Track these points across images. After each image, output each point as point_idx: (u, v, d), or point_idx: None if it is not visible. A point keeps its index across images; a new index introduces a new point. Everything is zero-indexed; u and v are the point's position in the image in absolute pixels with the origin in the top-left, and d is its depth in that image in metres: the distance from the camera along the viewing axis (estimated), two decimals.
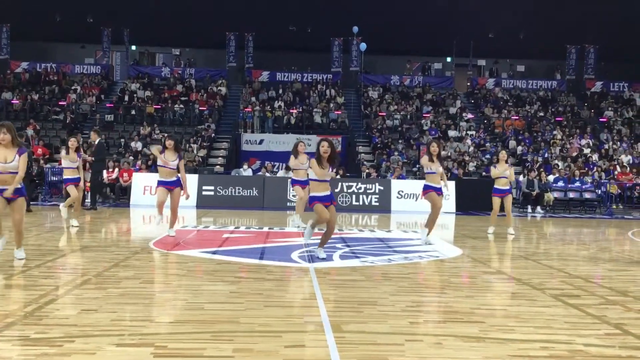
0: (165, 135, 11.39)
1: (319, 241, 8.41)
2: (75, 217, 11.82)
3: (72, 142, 11.85)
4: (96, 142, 16.51)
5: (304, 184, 11.67)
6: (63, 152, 12.33)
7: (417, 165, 22.54)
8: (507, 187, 12.39)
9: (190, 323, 4.83)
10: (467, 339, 4.51)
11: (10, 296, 5.82)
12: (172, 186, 10.03)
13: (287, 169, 19.74)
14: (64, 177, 12.13)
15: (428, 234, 10.38)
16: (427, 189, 10.24)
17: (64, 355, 3.91)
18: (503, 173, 12.27)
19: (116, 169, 19.83)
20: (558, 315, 5.36)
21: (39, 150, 22.75)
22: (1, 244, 7.60)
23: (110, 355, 3.92)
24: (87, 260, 8.11)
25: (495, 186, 12.40)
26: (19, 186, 7.23)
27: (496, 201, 12.39)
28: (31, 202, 15.24)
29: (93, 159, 16.04)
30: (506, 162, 12.59)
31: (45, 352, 3.96)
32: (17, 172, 7.18)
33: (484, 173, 23.40)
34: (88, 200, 16.30)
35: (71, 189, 11.78)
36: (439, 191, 10.23)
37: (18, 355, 3.94)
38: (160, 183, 10.12)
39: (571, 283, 7.01)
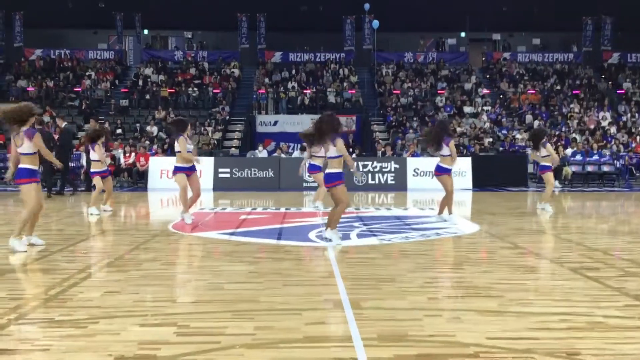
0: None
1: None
2: (96, 206, 11.40)
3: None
4: (62, 127, 16.65)
5: (320, 169, 11.55)
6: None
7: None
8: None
9: (211, 303, 4.89)
10: (486, 313, 4.53)
11: (34, 280, 5.94)
12: (191, 171, 10.01)
13: (302, 149, 19.73)
14: (91, 169, 11.89)
15: (441, 213, 10.30)
16: (439, 170, 10.21)
17: (88, 336, 3.99)
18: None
19: (132, 154, 19.97)
20: (577, 288, 5.36)
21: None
22: (21, 244, 7.13)
23: (134, 335, 3.99)
24: (108, 244, 8.24)
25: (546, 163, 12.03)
26: (23, 166, 7.08)
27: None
28: (52, 189, 15.41)
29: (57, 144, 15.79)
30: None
31: (71, 333, 4.05)
32: (29, 153, 7.09)
33: (500, 149, 23.25)
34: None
35: (97, 180, 11.60)
36: (450, 172, 10.23)
37: (44, 336, 4.03)
38: (176, 169, 10.02)
39: (590, 256, 6.98)
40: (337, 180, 7.64)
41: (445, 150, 10.06)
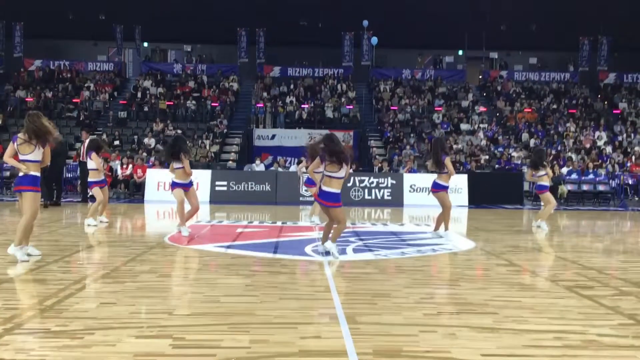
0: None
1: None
2: (93, 217, 11.37)
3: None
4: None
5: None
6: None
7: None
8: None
9: (207, 315, 4.90)
10: (481, 330, 4.55)
11: (29, 290, 5.93)
12: (186, 187, 10.17)
13: (299, 163, 19.77)
14: (89, 179, 11.84)
15: (437, 229, 10.35)
16: (436, 187, 10.25)
17: (84, 347, 3.99)
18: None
19: (130, 165, 19.98)
20: (572, 307, 5.38)
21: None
22: (22, 253, 7.13)
23: (130, 346, 4.00)
24: (104, 255, 8.24)
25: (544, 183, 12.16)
26: (31, 173, 7.09)
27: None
28: (47, 199, 15.40)
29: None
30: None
31: (67, 344, 4.05)
32: (37, 161, 7.16)
33: (496, 166, 23.34)
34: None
35: (96, 191, 11.59)
36: (447, 189, 10.28)
37: (40, 347, 4.03)
38: (174, 185, 10.23)
39: (585, 275, 7.01)
40: (339, 202, 7.77)
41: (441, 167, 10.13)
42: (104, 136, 23.93)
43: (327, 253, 7.86)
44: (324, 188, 7.76)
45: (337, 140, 7.81)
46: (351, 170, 19.55)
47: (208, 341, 4.15)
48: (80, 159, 15.93)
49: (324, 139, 7.88)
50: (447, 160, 10.09)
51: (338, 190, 7.75)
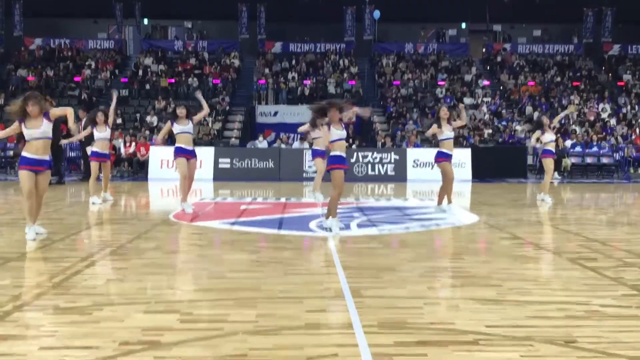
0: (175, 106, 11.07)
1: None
2: (97, 195, 11.36)
3: (100, 117, 11.41)
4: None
5: (323, 154, 11.60)
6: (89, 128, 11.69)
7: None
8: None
9: (213, 291, 4.95)
10: (485, 302, 4.59)
11: (37, 268, 5.99)
12: (191, 155, 9.94)
13: (302, 140, 19.77)
14: (92, 149, 11.46)
15: (440, 203, 10.29)
16: (441, 156, 10.12)
17: (93, 322, 4.04)
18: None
19: (133, 144, 19.99)
20: (575, 278, 5.41)
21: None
22: (33, 232, 7.21)
23: (138, 322, 4.05)
24: (110, 233, 8.29)
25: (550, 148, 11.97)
26: (48, 157, 7.18)
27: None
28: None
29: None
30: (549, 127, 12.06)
31: (75, 320, 4.11)
32: (50, 138, 7.16)
33: (500, 140, 23.26)
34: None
35: (93, 165, 11.33)
36: (451, 159, 10.17)
37: (49, 323, 4.09)
38: (180, 150, 9.88)
39: (589, 247, 7.04)
40: (335, 164, 7.74)
41: (445, 134, 10.02)
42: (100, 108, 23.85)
43: (330, 229, 7.88)
44: (344, 153, 7.78)
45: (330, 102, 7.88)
46: (354, 146, 19.63)
47: (215, 315, 4.20)
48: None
49: (331, 104, 7.82)
50: (432, 130, 10.03)
51: (333, 153, 7.80)
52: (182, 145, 9.88)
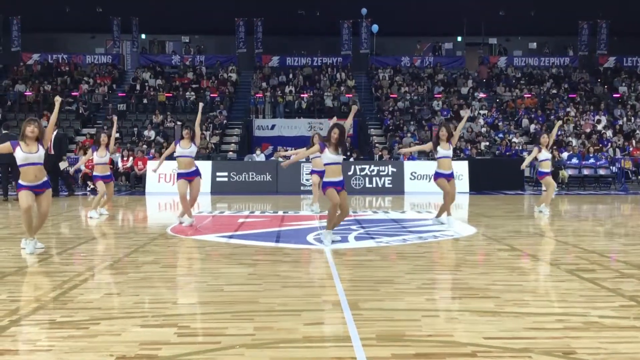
0: (179, 124, 11.38)
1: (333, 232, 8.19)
2: (96, 209, 11.46)
3: (104, 138, 11.63)
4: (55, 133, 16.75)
5: (321, 173, 11.64)
6: (89, 151, 12.00)
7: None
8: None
9: (210, 304, 4.94)
10: (483, 314, 4.58)
11: (34, 283, 5.96)
12: (192, 176, 10.03)
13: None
14: (94, 173, 12.02)
15: (438, 216, 10.30)
16: (437, 176, 10.16)
17: (90, 336, 4.03)
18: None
19: (130, 158, 19.99)
20: (573, 289, 5.41)
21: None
22: (32, 246, 7.29)
23: (135, 335, 4.03)
24: (107, 247, 8.27)
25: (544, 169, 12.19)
26: (46, 178, 7.36)
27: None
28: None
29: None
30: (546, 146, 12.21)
31: (72, 334, 4.09)
32: (42, 163, 7.32)
33: (497, 152, 23.31)
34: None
35: (100, 184, 11.65)
36: (449, 177, 10.12)
37: (46, 337, 4.07)
38: (180, 175, 10.04)
39: (586, 258, 7.04)
40: (327, 187, 7.86)
41: (441, 152, 10.04)
42: (104, 130, 23.89)
43: (333, 242, 7.93)
44: (337, 178, 7.84)
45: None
46: (352, 159, 19.70)
47: (213, 329, 4.19)
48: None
49: (339, 127, 7.86)
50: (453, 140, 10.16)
51: (326, 179, 8.00)
52: (182, 171, 10.03)
